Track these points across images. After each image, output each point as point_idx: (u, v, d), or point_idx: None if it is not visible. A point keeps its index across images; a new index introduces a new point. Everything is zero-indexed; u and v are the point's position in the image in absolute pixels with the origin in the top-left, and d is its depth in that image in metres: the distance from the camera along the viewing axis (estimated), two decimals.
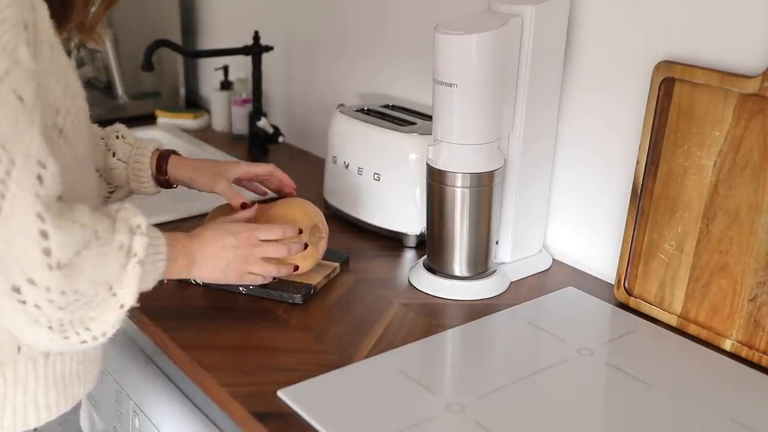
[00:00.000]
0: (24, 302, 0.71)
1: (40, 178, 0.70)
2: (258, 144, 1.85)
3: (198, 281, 1.16)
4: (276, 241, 1.04)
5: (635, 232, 1.13)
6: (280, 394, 0.90)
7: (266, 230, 1.03)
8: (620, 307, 1.14)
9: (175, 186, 1.19)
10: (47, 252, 0.70)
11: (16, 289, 0.70)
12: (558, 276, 1.25)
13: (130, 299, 0.79)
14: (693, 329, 1.06)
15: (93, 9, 0.89)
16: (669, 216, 1.09)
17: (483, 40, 1.07)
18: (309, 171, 1.72)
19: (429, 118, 1.24)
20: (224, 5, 2.15)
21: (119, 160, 1.14)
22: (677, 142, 1.07)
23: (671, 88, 1.06)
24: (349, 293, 1.17)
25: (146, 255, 0.81)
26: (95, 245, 0.75)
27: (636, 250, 1.13)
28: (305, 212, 1.16)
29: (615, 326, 1.10)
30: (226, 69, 2.03)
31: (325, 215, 1.21)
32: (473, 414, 0.88)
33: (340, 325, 1.07)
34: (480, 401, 0.90)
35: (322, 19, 1.78)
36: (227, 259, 0.98)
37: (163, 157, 1.16)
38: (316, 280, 1.16)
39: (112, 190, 1.15)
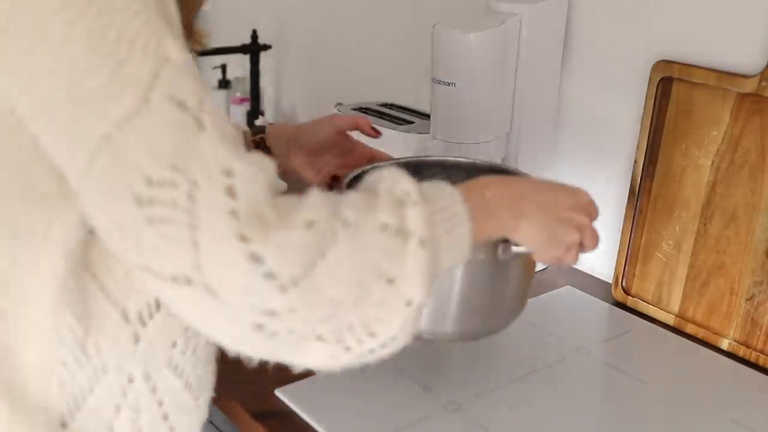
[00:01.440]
0: (275, 333, 0.56)
1: (230, 190, 0.53)
2: None
3: None
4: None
5: (633, 232, 1.13)
6: (278, 392, 0.90)
7: (595, 203, 0.77)
8: (618, 307, 1.14)
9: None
10: (269, 276, 0.54)
11: (258, 327, 0.56)
12: (556, 275, 1.25)
13: (417, 294, 0.59)
14: (690, 328, 1.06)
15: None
16: (667, 215, 1.09)
17: (481, 39, 1.07)
18: None
19: (427, 117, 1.24)
20: (222, 4, 2.14)
21: None
22: (675, 142, 1.07)
23: (669, 87, 1.06)
24: None
25: (430, 229, 0.59)
26: (343, 237, 0.56)
27: (634, 250, 1.13)
28: None
29: (613, 325, 1.10)
30: (223, 67, 2.03)
31: None
32: (471, 413, 0.88)
33: None
34: (477, 400, 0.90)
35: (320, 17, 1.78)
36: (560, 217, 0.72)
37: (258, 134, 1.01)
38: None
39: None
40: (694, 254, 1.06)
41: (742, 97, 0.99)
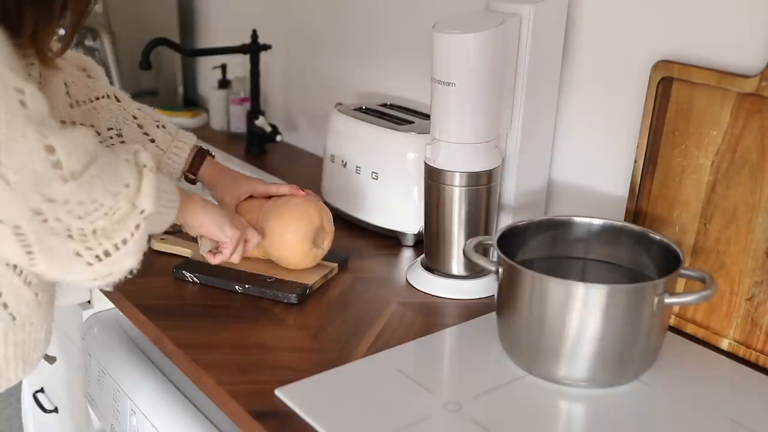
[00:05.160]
0: (46, 220, 0.72)
1: (22, 103, 0.70)
2: (256, 143, 1.85)
3: (195, 278, 1.16)
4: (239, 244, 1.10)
5: None
6: (278, 392, 0.90)
7: (252, 235, 1.12)
8: None
9: (194, 183, 1.24)
10: (57, 165, 0.71)
11: (38, 212, 0.72)
12: None
13: (148, 204, 0.81)
14: (690, 328, 1.06)
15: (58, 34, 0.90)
16: (667, 215, 1.09)
17: (481, 39, 1.07)
18: (307, 170, 1.72)
19: (427, 117, 1.24)
20: (222, 4, 2.15)
21: (158, 147, 1.18)
22: (675, 142, 1.07)
23: (669, 87, 1.07)
24: (347, 292, 1.17)
25: (155, 168, 0.83)
26: (104, 154, 0.77)
27: None
28: (317, 209, 1.18)
29: None
30: (224, 67, 2.03)
31: None
32: (470, 413, 0.88)
33: (338, 323, 1.07)
34: (477, 400, 0.90)
35: (321, 17, 1.78)
36: (213, 230, 1.05)
37: (199, 155, 1.21)
38: (312, 280, 1.16)
39: None
40: (695, 254, 1.06)
41: (742, 97, 0.99)
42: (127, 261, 0.82)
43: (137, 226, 0.81)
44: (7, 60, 0.72)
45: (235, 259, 1.11)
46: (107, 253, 0.79)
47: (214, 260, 1.11)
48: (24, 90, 0.70)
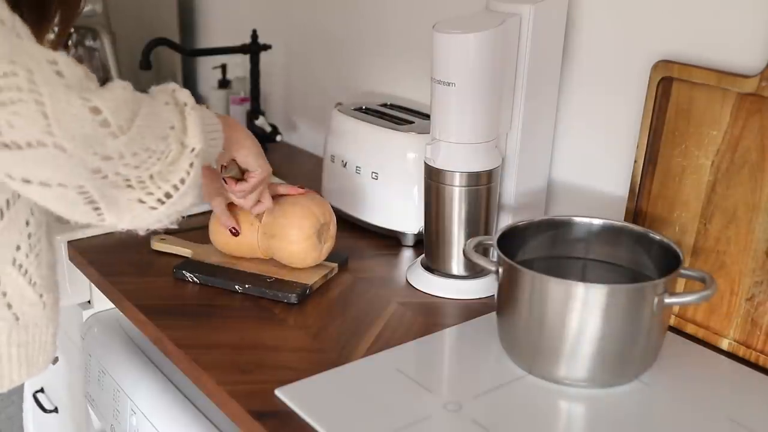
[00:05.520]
0: (105, 176, 0.75)
1: (59, 73, 0.71)
2: None
3: (195, 278, 1.16)
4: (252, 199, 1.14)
5: None
6: (278, 392, 0.90)
7: (267, 197, 1.16)
8: None
9: None
10: (105, 124, 0.73)
11: (97, 170, 0.74)
12: None
13: (197, 142, 0.83)
14: (690, 328, 1.06)
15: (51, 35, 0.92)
16: (667, 215, 1.09)
17: (481, 39, 1.07)
18: (307, 170, 1.72)
19: (427, 117, 1.24)
20: (222, 4, 2.14)
21: None
22: (675, 142, 1.07)
23: (669, 87, 1.07)
24: (347, 292, 1.17)
25: (194, 104, 0.85)
26: (146, 104, 0.79)
27: None
28: (326, 207, 1.20)
29: None
30: (224, 67, 2.03)
31: None
32: (471, 413, 0.88)
33: (338, 323, 1.07)
34: (477, 400, 0.90)
35: (321, 17, 1.78)
36: (249, 155, 1.07)
37: None
38: (312, 280, 1.16)
39: None
40: (695, 254, 1.06)
41: (742, 97, 0.99)
42: (186, 199, 0.84)
43: (191, 164, 0.83)
44: (32, 37, 0.73)
45: (248, 204, 1.13)
46: (168, 195, 0.81)
47: (236, 187, 1.10)
48: (57, 60, 0.72)
